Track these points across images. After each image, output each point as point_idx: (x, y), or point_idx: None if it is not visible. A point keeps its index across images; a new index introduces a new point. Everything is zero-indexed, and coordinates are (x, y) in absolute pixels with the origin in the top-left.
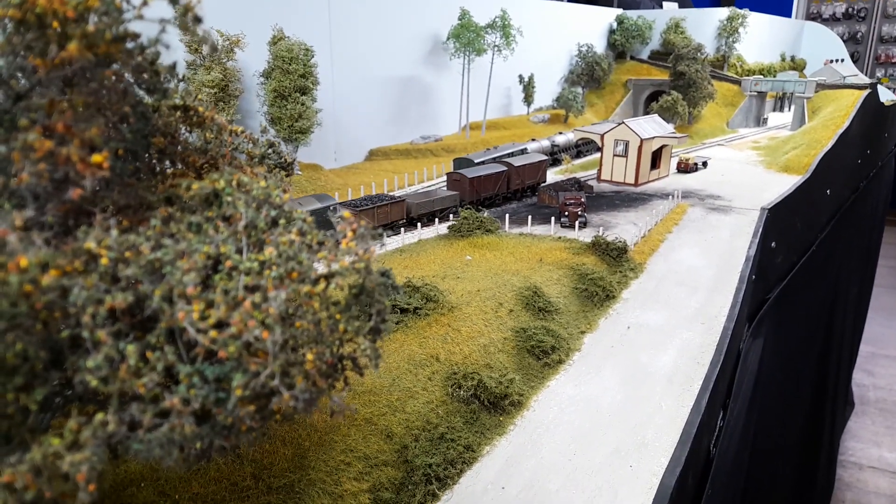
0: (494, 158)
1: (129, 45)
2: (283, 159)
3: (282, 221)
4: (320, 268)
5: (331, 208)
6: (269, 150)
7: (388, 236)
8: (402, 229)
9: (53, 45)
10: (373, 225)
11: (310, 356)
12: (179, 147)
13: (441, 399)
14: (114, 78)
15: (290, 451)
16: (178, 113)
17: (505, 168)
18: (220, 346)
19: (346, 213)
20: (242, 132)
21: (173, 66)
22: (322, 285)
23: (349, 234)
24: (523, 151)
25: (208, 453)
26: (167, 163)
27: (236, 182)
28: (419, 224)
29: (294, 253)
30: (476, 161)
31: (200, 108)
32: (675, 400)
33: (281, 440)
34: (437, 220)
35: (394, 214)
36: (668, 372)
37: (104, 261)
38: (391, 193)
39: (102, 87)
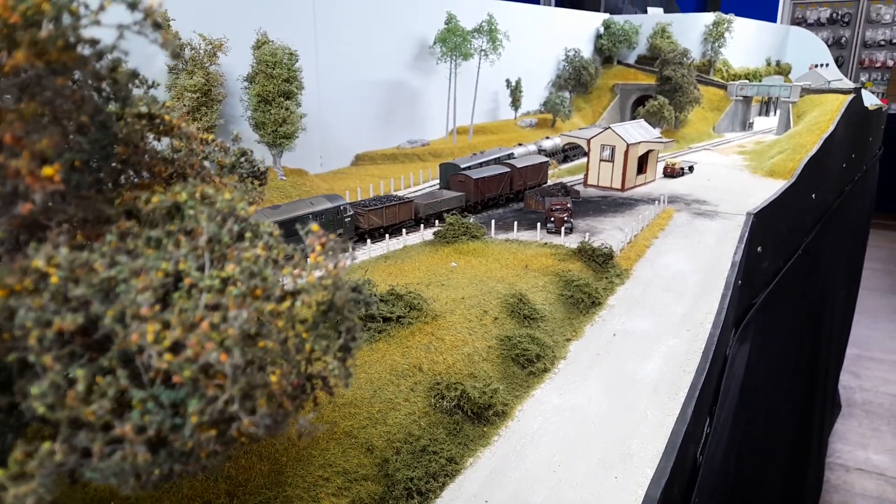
0: (481, 163)
1: (87, 51)
2: (255, 168)
3: (248, 235)
4: (287, 284)
5: (341, 208)
6: (242, 159)
7: (406, 233)
8: (405, 231)
9: (3, 53)
10: (381, 225)
11: (274, 378)
12: (146, 157)
13: (424, 410)
14: (72, 85)
15: (266, 466)
16: (144, 121)
17: (508, 169)
18: (175, 369)
19: (314, 226)
20: (213, 140)
21: (134, 73)
22: (287, 303)
23: (317, 248)
24: (510, 156)
25: (169, 478)
26: (131, 173)
27: (200, 194)
28: (422, 225)
29: (259, 269)
30: (462, 166)
31: (167, 117)
32: (661, 409)
33: (258, 455)
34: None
35: (402, 214)
36: (653, 380)
37: (54, 279)
38: (399, 194)
39: (57, 96)
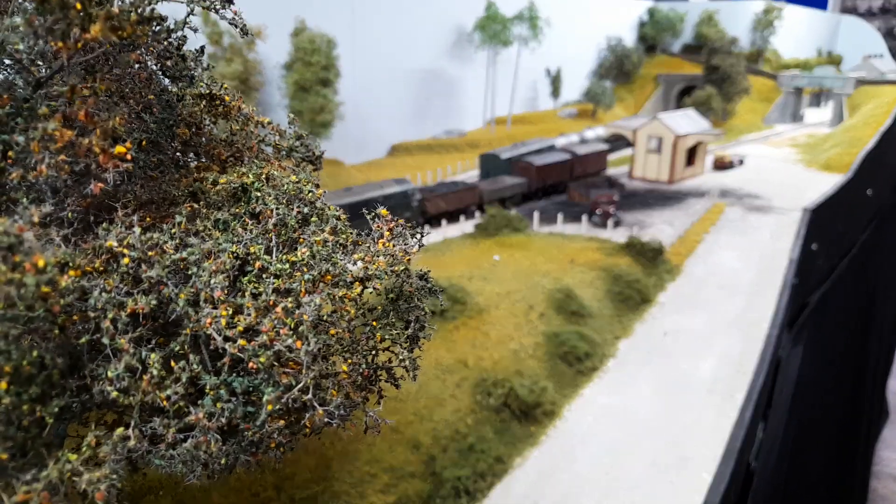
0: (522, 154)
1: (156, 27)
2: (311, 152)
3: (313, 219)
4: (354, 269)
5: (409, 192)
6: (298, 143)
7: (464, 219)
8: (468, 215)
9: (76, 28)
10: (447, 210)
11: (344, 367)
12: (204, 139)
13: (470, 407)
14: (137, 65)
15: (312, 461)
16: (204, 102)
17: (569, 156)
18: (250, 356)
19: (382, 210)
20: (269, 123)
21: (201, 51)
22: (358, 289)
23: (386, 233)
24: (551, 147)
25: (232, 468)
26: (191, 155)
27: (265, 176)
28: (475, 213)
29: (328, 254)
30: (503, 157)
31: (227, 98)
32: (716, 410)
33: (304, 449)
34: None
35: (467, 199)
36: (708, 381)
37: (126, 260)
38: (464, 180)
39: (126, 74)
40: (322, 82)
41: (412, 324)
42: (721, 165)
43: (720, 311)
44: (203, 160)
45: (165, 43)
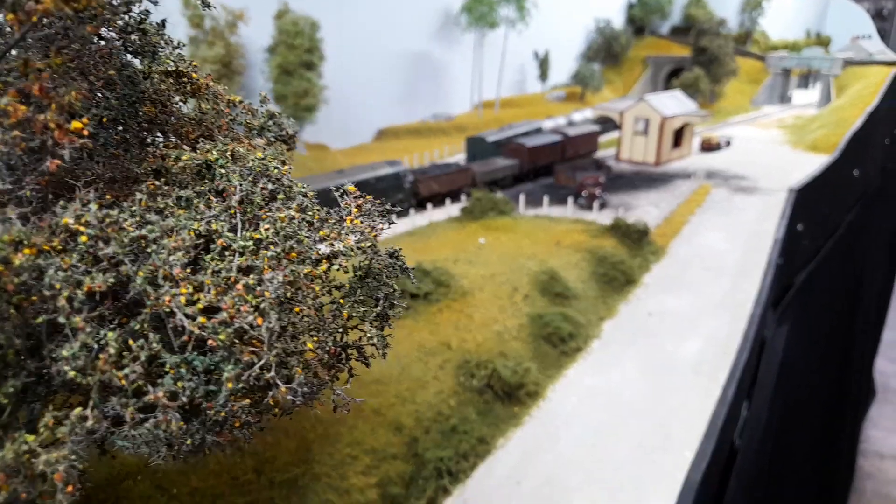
0: (509, 137)
1: (115, 0)
2: (284, 131)
3: (280, 196)
4: (322, 248)
5: (401, 174)
6: (270, 122)
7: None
8: (460, 197)
9: (30, 2)
10: (439, 192)
11: (310, 345)
12: (172, 117)
13: (453, 389)
14: (97, 40)
15: (293, 443)
16: (171, 80)
17: (560, 138)
18: (210, 333)
19: (350, 187)
20: (241, 102)
21: (162, 24)
22: (324, 266)
23: (354, 210)
24: (538, 130)
25: (201, 449)
26: (158, 134)
27: (231, 153)
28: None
29: (293, 231)
30: (489, 140)
31: (195, 75)
32: (701, 390)
33: (284, 432)
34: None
35: (460, 181)
36: (693, 361)
37: (83, 238)
38: (457, 161)
39: (86, 49)
40: (306, 66)
41: (381, 301)
42: (708, 147)
43: (705, 292)
44: (171, 139)
45: (126, 17)
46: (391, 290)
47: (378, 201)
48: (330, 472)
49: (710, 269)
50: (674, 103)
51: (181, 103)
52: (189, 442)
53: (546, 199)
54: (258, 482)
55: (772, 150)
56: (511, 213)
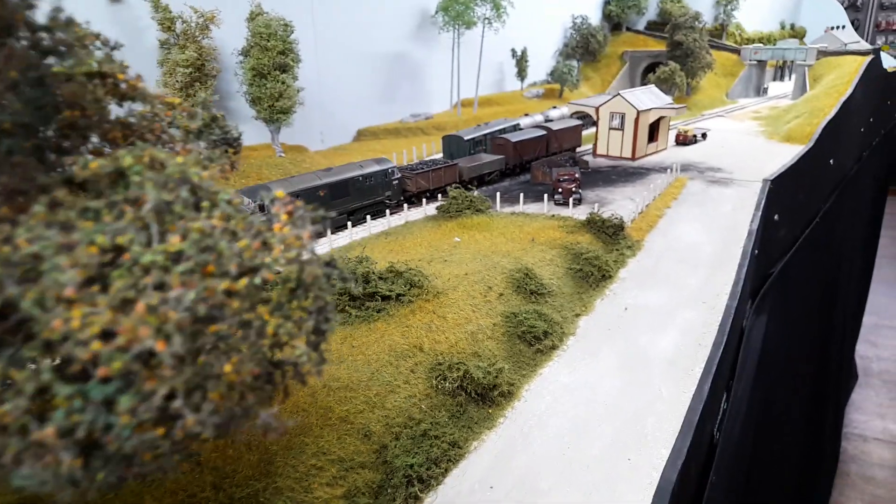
0: (485, 134)
1: None
2: (227, 134)
3: (204, 204)
4: (256, 259)
5: (389, 171)
6: (212, 125)
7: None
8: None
9: None
10: (427, 188)
11: (227, 367)
12: (98, 122)
13: (425, 392)
14: None
15: (255, 456)
16: (96, 81)
17: (545, 132)
18: (104, 360)
19: (278, 192)
20: (180, 104)
21: (70, 21)
22: (244, 280)
23: (283, 217)
24: (516, 127)
25: (119, 484)
26: (82, 140)
27: (148, 158)
28: (441, 192)
29: (213, 242)
30: (466, 138)
31: (121, 76)
32: (677, 385)
33: (245, 445)
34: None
35: (447, 177)
36: (668, 355)
37: None
38: (444, 159)
39: None
40: (280, 68)
41: (314, 315)
42: (684, 141)
43: (681, 285)
44: (96, 144)
45: (28, 14)
46: (324, 303)
47: (311, 207)
48: (294, 485)
49: (685, 261)
50: (649, 98)
51: (117, 106)
52: (100, 477)
53: (522, 196)
54: (216, 499)
55: (747, 142)
56: (487, 211)
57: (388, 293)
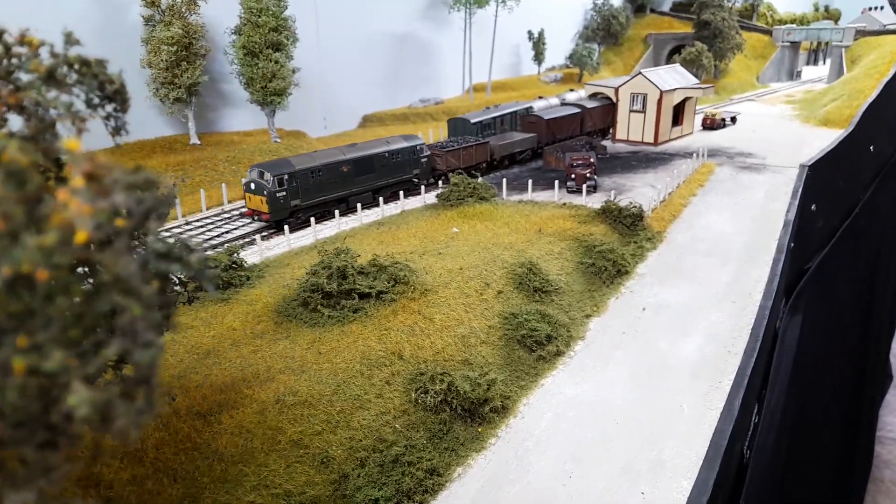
0: (494, 117)
1: None
2: (101, 84)
3: None
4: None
5: (417, 148)
6: (82, 69)
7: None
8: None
9: None
10: (458, 166)
11: None
12: None
13: (401, 408)
14: None
15: (179, 490)
16: None
17: (579, 110)
18: None
19: (70, 142)
20: (41, 45)
21: None
22: None
23: (77, 181)
24: (528, 110)
25: None
26: None
27: None
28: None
29: None
30: (473, 121)
31: None
32: (702, 400)
33: (169, 476)
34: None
35: (478, 156)
36: (692, 364)
37: None
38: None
39: None
40: (273, 45)
41: (122, 337)
42: (711, 125)
43: (708, 282)
44: None
45: None
46: (131, 318)
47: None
48: None
49: (713, 255)
50: (673, 77)
51: None
52: None
53: (531, 182)
54: None
55: (780, 126)
56: (492, 199)
57: (367, 290)
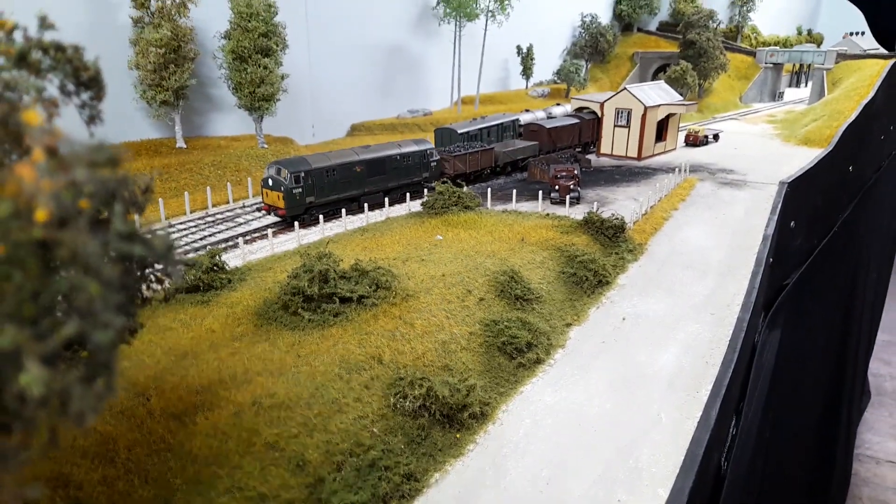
0: (480, 129)
1: None
2: (76, 70)
3: None
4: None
5: (427, 152)
6: (57, 54)
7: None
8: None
9: None
10: (464, 171)
11: None
12: None
13: (379, 412)
14: None
15: (150, 492)
16: None
17: (578, 121)
18: None
19: (29, 114)
20: (14, 28)
21: None
22: None
23: (36, 155)
24: (514, 122)
25: None
26: None
27: None
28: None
29: None
30: (459, 131)
31: None
32: (679, 410)
33: (141, 477)
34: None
35: (484, 161)
36: (669, 374)
37: None
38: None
39: None
40: (262, 51)
41: (76, 316)
42: (694, 141)
43: (687, 294)
44: None
45: None
46: (88, 296)
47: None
48: None
49: (692, 267)
50: (657, 94)
51: None
52: None
53: (515, 193)
54: None
55: (762, 144)
56: (476, 209)
57: (348, 295)
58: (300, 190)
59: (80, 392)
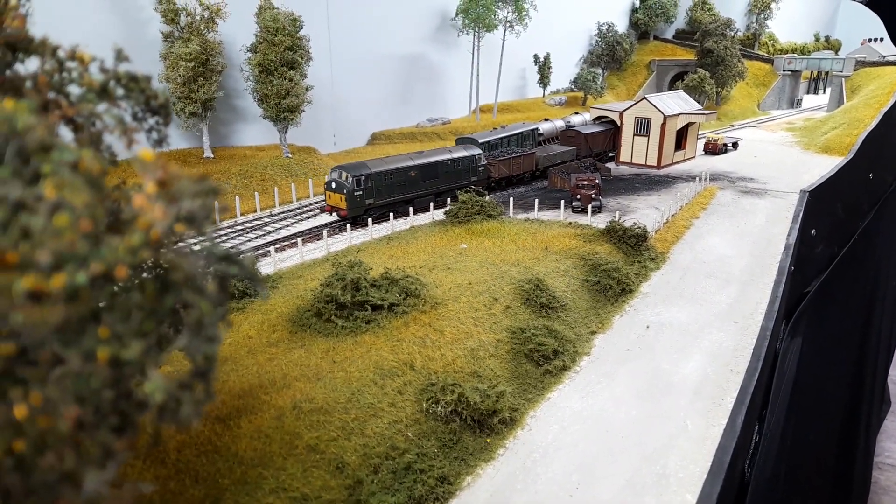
0: (501, 138)
1: None
2: (147, 99)
3: (46, 168)
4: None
5: (476, 157)
6: (130, 84)
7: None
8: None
9: None
10: (508, 175)
11: (20, 409)
12: None
13: (413, 417)
14: None
15: (200, 491)
16: None
17: (612, 127)
18: None
19: (144, 152)
20: (92, 60)
21: None
22: (62, 276)
23: (149, 187)
24: (534, 132)
25: None
26: None
27: None
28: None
29: (25, 220)
30: (480, 140)
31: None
32: (704, 417)
33: (192, 477)
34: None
35: (525, 165)
36: (694, 381)
37: None
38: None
39: None
40: (288, 64)
41: (189, 331)
42: (713, 149)
43: (710, 303)
44: None
45: None
46: (199, 314)
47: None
48: None
49: (715, 276)
50: (676, 102)
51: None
52: None
53: (537, 202)
54: None
55: (781, 152)
56: (499, 217)
57: (379, 302)
58: (361, 192)
59: (189, 398)
